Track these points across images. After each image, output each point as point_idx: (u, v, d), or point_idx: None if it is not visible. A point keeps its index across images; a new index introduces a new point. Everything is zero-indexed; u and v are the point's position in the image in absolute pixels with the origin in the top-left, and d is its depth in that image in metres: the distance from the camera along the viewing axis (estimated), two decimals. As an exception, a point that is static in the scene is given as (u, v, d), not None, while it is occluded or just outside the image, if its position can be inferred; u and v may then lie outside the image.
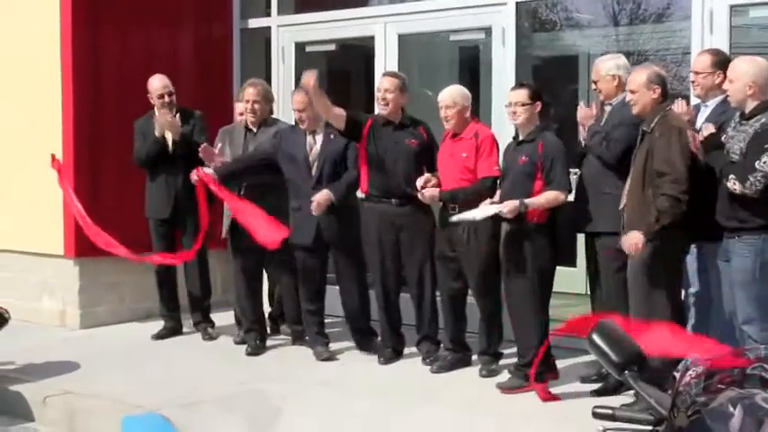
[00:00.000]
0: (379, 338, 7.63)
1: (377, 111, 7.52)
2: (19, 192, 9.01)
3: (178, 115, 8.11)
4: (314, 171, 7.49)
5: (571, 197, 6.65)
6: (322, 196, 7.31)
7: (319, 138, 7.56)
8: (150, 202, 8.33)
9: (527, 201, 6.36)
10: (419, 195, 6.97)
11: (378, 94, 7.34)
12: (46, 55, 8.66)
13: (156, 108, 8.19)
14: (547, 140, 6.49)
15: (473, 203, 6.69)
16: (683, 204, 5.71)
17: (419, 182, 6.95)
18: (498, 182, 6.75)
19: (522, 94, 6.53)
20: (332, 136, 7.50)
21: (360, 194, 7.50)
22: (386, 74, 7.60)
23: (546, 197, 6.41)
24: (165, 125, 8.01)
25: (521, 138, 6.63)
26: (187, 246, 8.24)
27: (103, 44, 8.75)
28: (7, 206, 9.12)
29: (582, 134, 6.68)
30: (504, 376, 6.74)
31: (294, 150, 7.54)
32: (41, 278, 8.99)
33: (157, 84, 8.20)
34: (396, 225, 7.28)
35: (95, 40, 8.67)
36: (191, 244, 8.19)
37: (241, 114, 8.05)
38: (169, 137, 8.08)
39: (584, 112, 6.69)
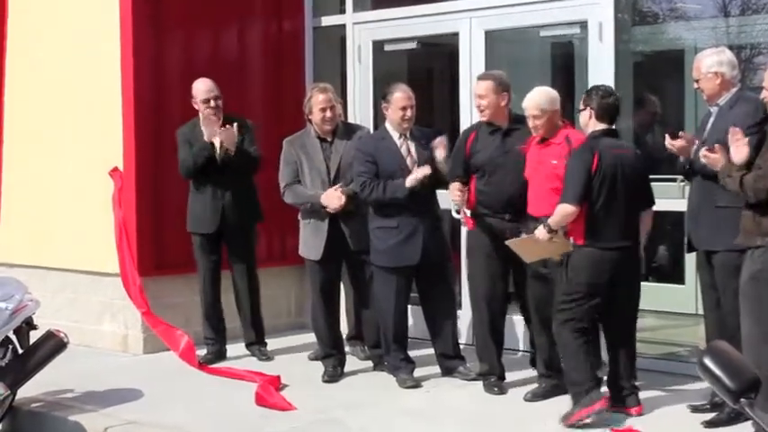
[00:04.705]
0: (468, 364, 7.34)
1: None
2: (78, 210, 8.90)
3: (236, 125, 7.79)
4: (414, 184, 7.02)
5: (683, 208, 6.45)
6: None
7: (412, 145, 7.17)
8: (193, 215, 8.03)
9: (549, 221, 6.21)
10: None
11: (475, 102, 7.08)
12: (107, 60, 8.52)
13: (200, 115, 7.94)
14: None
15: None
16: (743, 197, 5.55)
17: None
18: None
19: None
20: (423, 141, 7.18)
21: (467, 211, 7.18)
22: (479, 77, 7.17)
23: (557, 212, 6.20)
24: (222, 137, 7.72)
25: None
26: (234, 264, 8.10)
27: (167, 48, 8.62)
28: (67, 224, 9.02)
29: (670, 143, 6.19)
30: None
31: (390, 163, 7.10)
32: (102, 299, 8.84)
33: (202, 87, 7.90)
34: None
35: (158, 43, 8.55)
36: (238, 263, 8.06)
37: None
38: (217, 142, 7.75)
39: (678, 146, 6.15)
